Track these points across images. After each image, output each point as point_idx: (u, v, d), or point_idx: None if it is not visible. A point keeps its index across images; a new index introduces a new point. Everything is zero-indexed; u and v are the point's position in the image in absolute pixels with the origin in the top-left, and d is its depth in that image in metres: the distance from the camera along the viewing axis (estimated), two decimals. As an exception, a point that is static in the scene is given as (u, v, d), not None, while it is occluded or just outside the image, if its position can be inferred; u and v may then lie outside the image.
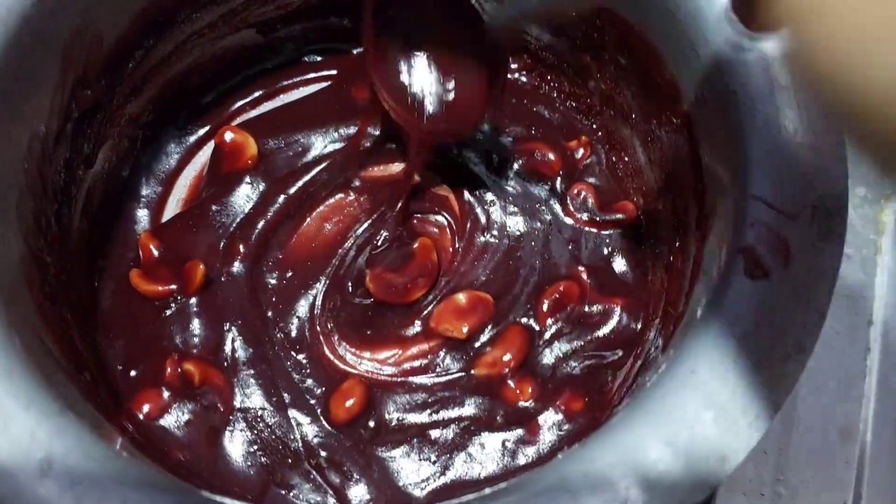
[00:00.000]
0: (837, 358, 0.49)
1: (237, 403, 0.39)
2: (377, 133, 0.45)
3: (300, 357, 0.41)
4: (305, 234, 0.44)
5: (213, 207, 0.43)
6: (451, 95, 0.41)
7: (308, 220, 0.44)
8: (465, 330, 0.40)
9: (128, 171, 0.44)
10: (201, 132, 0.46)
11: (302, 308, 0.42)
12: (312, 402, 0.40)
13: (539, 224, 0.44)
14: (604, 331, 0.41)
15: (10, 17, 0.33)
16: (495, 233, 0.44)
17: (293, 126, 0.46)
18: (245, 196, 0.44)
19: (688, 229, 0.37)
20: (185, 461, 0.37)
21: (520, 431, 0.39)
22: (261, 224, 0.43)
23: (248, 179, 0.44)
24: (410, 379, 0.40)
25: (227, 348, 0.41)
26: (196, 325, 0.41)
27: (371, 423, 0.39)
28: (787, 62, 0.28)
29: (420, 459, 0.38)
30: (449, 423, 0.39)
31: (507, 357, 0.40)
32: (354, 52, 0.49)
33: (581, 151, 0.46)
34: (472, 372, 0.40)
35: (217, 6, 0.43)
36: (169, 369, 0.39)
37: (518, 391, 0.39)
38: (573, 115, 0.47)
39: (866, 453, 0.47)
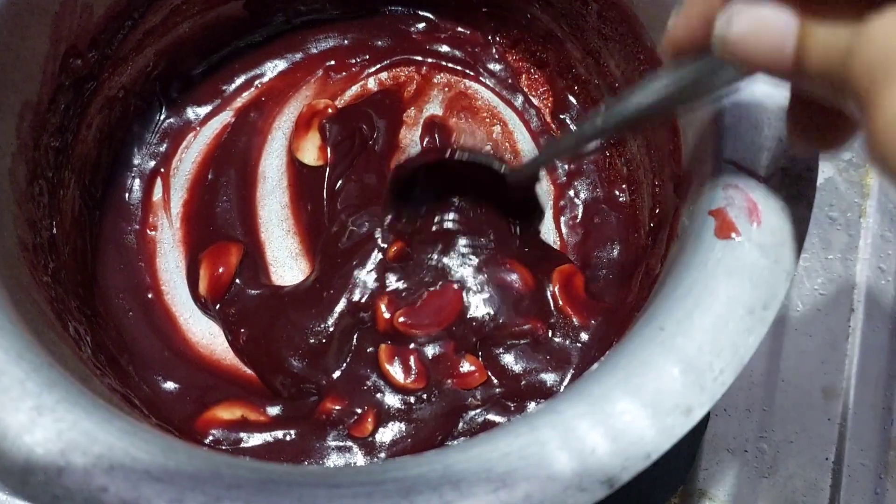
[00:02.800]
0: (821, 318, 0.50)
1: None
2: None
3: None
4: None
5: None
6: None
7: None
8: None
9: (120, 140, 0.45)
10: (193, 104, 0.47)
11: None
12: None
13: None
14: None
15: (-1, -14, 0.33)
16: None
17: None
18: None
19: (666, 194, 0.38)
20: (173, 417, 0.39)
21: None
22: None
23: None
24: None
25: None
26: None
27: None
28: None
29: None
30: None
31: None
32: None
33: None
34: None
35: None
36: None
37: None
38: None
39: (849, 411, 0.48)
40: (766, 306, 0.28)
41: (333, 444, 0.37)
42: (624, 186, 0.45)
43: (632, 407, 0.27)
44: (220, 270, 0.42)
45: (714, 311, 0.28)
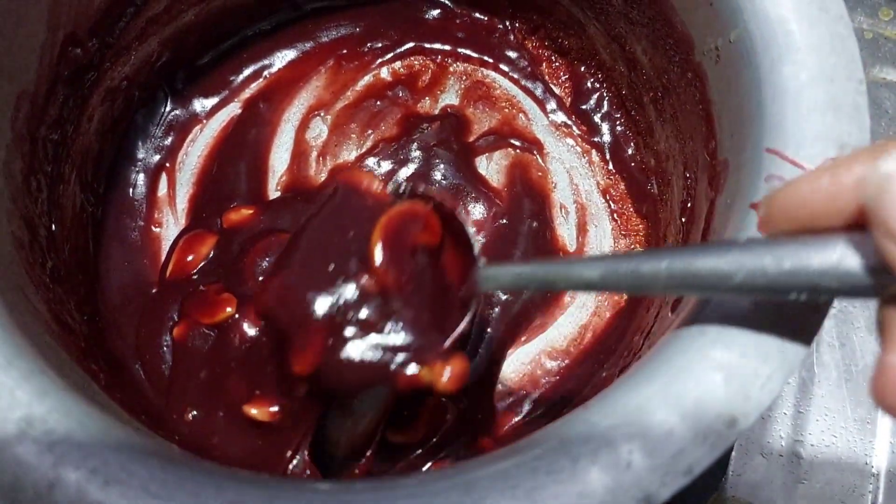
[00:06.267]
0: (860, 310, 0.47)
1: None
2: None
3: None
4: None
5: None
6: None
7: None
8: None
9: (123, 133, 0.43)
10: (199, 95, 0.46)
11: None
12: None
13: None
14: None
15: (-9, -29, 0.32)
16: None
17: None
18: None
19: (699, 186, 0.36)
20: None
21: None
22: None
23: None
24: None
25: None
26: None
27: None
28: None
29: None
30: None
31: None
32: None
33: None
34: None
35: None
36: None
37: None
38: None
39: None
40: (816, 308, 0.26)
41: None
42: (652, 178, 0.43)
43: (671, 418, 0.24)
44: (189, 258, 0.40)
45: (759, 314, 0.26)
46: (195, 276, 0.40)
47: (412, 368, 0.29)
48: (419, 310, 0.30)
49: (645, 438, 0.24)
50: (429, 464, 0.38)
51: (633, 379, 0.26)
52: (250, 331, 0.37)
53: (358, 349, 0.30)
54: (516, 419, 0.40)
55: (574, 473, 0.24)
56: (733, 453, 0.45)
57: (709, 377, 0.25)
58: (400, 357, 0.30)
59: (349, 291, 0.30)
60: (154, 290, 0.40)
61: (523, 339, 0.42)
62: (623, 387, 0.26)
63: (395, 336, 0.30)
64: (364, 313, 0.30)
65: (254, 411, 0.35)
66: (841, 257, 0.20)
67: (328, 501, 0.24)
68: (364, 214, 0.31)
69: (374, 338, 0.30)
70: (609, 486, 0.24)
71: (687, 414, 0.24)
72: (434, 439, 0.38)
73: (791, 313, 0.26)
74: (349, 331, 0.30)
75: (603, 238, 0.44)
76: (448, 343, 0.30)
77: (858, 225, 0.20)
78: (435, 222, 0.32)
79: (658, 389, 0.25)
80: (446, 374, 0.29)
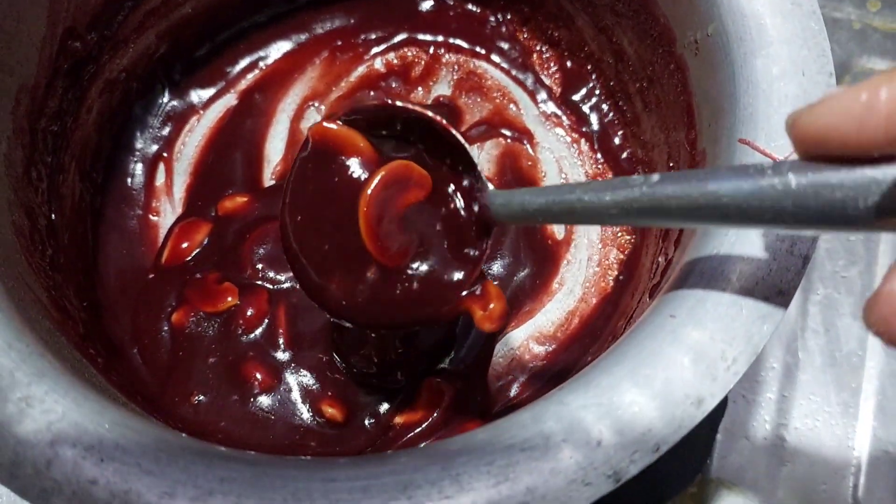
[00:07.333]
0: (843, 300, 0.48)
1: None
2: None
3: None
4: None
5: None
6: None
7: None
8: None
9: (121, 124, 0.44)
10: (196, 86, 0.46)
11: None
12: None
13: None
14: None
15: (-9, -33, 0.33)
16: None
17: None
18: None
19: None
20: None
21: None
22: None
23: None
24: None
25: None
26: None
27: None
28: None
29: None
30: None
31: None
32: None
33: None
34: None
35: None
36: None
37: None
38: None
39: (872, 398, 0.46)
40: (782, 292, 0.27)
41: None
42: (639, 167, 0.44)
43: (640, 398, 0.25)
44: (184, 245, 0.41)
45: (727, 298, 0.27)
46: (191, 263, 0.41)
47: (450, 306, 0.30)
48: (437, 257, 0.30)
49: (615, 418, 0.25)
50: (425, 443, 0.39)
51: (606, 361, 0.27)
52: (257, 319, 0.39)
53: (391, 309, 0.31)
54: (505, 402, 0.41)
55: (547, 450, 0.25)
56: (718, 436, 0.46)
57: (677, 359, 0.26)
58: (434, 301, 0.31)
59: (364, 275, 0.31)
60: (151, 276, 0.41)
61: (512, 324, 0.43)
62: (597, 368, 0.27)
63: (422, 287, 0.30)
64: (383, 282, 0.30)
65: (330, 411, 0.38)
66: (868, 189, 0.18)
67: (313, 477, 0.25)
68: (345, 180, 0.30)
69: (401, 295, 0.31)
70: (580, 462, 0.25)
71: (656, 394, 0.25)
72: (431, 419, 0.39)
73: (757, 301, 0.27)
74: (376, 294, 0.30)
75: (591, 227, 0.45)
76: (474, 275, 0.30)
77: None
78: (418, 173, 0.30)
79: (629, 371, 0.26)
80: (487, 310, 0.30)
